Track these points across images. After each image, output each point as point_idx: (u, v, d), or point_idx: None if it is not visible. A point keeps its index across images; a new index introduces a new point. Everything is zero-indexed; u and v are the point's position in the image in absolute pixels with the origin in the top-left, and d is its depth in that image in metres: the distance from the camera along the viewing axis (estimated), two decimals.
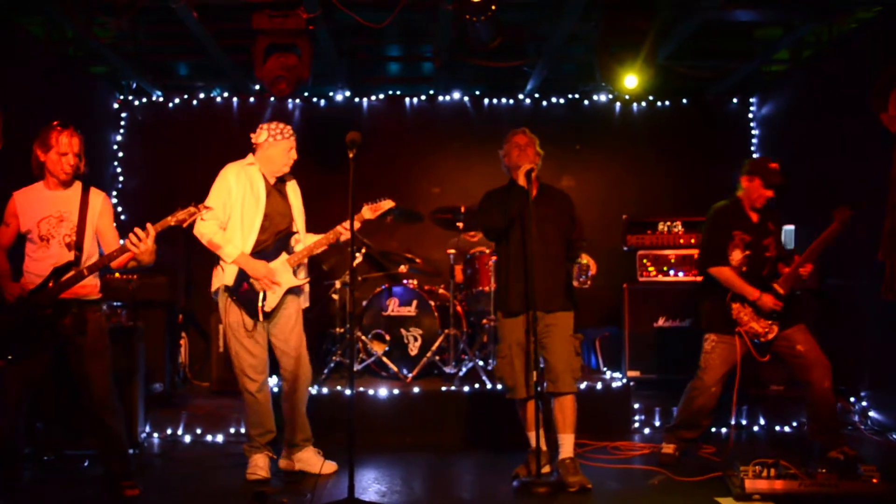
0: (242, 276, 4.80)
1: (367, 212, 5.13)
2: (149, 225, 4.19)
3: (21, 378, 4.25)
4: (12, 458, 4.35)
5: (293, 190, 5.13)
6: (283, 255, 4.93)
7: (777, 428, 6.21)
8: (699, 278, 6.74)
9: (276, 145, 4.90)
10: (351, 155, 4.25)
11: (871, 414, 6.21)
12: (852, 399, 6.31)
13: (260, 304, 4.82)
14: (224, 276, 4.83)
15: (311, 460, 5.00)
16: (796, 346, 5.04)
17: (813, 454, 5.13)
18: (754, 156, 8.16)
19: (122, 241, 4.25)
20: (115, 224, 4.62)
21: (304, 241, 5.08)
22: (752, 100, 8.48)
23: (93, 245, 4.47)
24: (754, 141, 8.43)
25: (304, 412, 5.05)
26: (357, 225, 4.93)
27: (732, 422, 5.61)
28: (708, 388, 5.09)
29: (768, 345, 5.07)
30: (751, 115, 8.49)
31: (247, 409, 4.93)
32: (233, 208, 4.82)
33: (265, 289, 4.81)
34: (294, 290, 4.99)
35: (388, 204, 5.17)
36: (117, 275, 6.49)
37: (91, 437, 4.62)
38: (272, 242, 4.91)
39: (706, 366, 5.14)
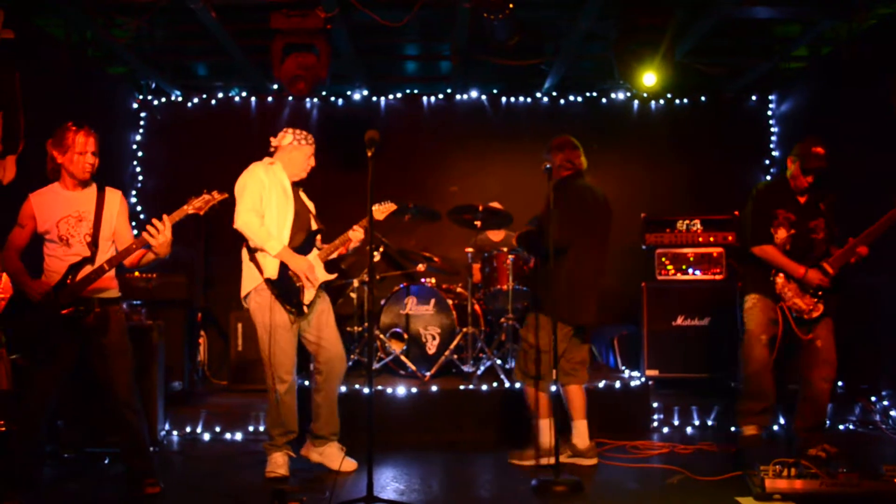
0: (285, 269, 4.83)
1: (376, 213, 5.23)
2: (164, 216, 4.20)
3: (49, 379, 4.27)
4: (34, 457, 4.38)
5: (304, 194, 5.21)
6: (314, 252, 5.01)
7: None
8: (719, 277, 6.76)
9: (299, 149, 5.00)
10: (370, 154, 4.24)
11: (893, 413, 6.16)
12: (873, 398, 6.26)
13: (300, 298, 4.87)
14: (265, 272, 4.81)
15: (333, 455, 5.02)
16: (816, 341, 5.00)
17: (792, 451, 5.01)
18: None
19: (137, 235, 4.28)
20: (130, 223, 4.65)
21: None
22: (770, 97, 8.44)
23: (110, 243, 4.48)
24: (773, 139, 8.38)
25: (335, 405, 5.08)
26: (360, 231, 5.07)
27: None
28: (757, 338, 4.97)
29: (813, 322, 4.96)
30: (770, 113, 8.45)
31: (271, 408, 4.92)
32: (268, 203, 4.86)
33: (304, 284, 4.86)
34: (323, 286, 5.06)
35: (390, 207, 5.34)
36: (137, 273, 6.53)
37: (112, 435, 4.65)
38: (302, 240, 4.96)
39: (748, 320, 5.05)
